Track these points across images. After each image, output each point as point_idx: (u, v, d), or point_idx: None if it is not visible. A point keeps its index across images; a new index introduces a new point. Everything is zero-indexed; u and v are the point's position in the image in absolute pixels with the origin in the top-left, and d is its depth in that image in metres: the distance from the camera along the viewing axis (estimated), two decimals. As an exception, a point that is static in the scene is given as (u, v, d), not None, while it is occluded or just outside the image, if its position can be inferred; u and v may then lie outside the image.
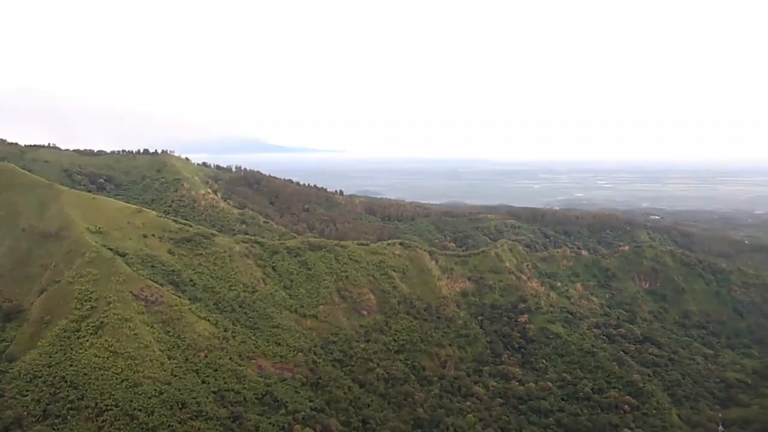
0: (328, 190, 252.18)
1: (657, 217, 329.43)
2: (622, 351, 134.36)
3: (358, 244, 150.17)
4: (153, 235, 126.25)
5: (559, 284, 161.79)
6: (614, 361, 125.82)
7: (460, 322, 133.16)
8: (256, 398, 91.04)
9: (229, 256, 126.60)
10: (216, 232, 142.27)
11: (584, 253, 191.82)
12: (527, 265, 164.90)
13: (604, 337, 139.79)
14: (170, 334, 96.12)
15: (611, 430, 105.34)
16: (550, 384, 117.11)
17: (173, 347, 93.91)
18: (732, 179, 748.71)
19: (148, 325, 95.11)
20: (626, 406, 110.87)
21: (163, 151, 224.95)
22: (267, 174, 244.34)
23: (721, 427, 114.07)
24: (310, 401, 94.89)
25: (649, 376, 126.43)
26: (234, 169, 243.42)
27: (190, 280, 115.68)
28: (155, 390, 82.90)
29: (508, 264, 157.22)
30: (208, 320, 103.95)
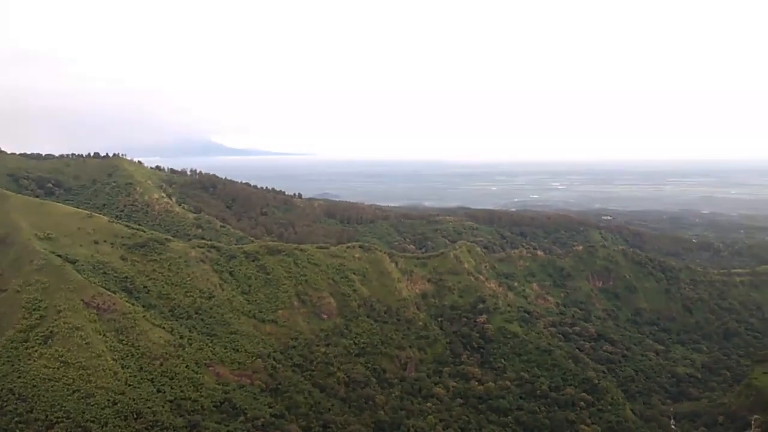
0: (286, 193, 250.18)
1: (609, 218, 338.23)
2: (578, 349, 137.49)
3: (317, 248, 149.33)
4: (105, 241, 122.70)
5: (516, 284, 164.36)
6: (570, 358, 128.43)
7: (420, 323, 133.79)
8: (214, 406, 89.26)
9: (185, 261, 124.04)
10: (170, 238, 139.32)
11: (540, 253, 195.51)
12: (485, 266, 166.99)
13: (560, 336, 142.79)
14: (124, 342, 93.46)
15: (568, 427, 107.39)
16: (508, 383, 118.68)
17: (127, 356, 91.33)
18: (679, 180, 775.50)
19: (100, 334, 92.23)
20: (582, 403, 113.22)
21: (114, 155, 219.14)
22: (223, 177, 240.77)
23: (672, 421, 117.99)
24: (270, 407, 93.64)
25: (603, 372, 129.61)
26: (189, 173, 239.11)
27: (144, 287, 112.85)
28: (108, 400, 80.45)
29: (466, 265, 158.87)
30: (163, 327, 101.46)
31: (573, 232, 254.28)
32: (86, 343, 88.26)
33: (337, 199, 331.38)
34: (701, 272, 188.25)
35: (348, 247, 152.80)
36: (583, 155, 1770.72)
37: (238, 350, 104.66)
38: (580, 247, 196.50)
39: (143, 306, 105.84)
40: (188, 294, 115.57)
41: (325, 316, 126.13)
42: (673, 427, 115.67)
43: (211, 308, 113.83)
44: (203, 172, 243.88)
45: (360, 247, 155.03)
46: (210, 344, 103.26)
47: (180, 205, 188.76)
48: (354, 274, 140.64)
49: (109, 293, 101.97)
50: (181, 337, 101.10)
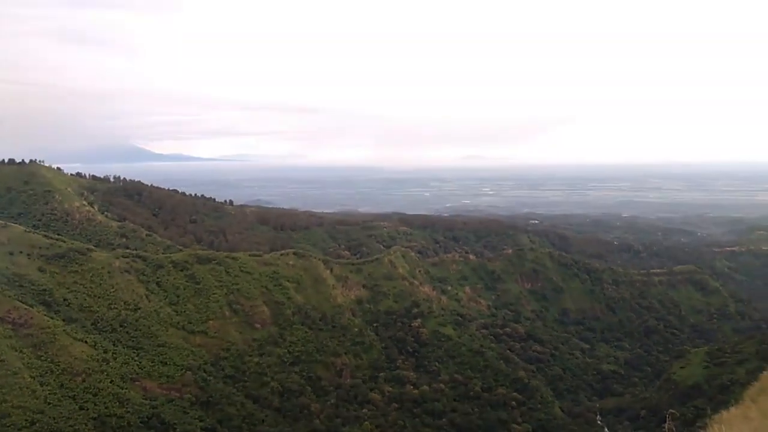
0: (217, 200, 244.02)
1: (536, 222, 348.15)
2: (509, 349, 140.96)
3: (249, 256, 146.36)
4: (21, 252, 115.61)
5: (449, 288, 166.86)
6: (501, 359, 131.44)
7: (356, 329, 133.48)
8: (140, 422, 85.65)
9: (108, 272, 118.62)
10: (93, 247, 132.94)
11: (472, 257, 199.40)
12: (419, 271, 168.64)
13: (492, 337, 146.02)
14: (42, 358, 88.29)
15: (500, 427, 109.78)
16: (442, 386, 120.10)
17: (46, 373, 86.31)
18: (601, 185, 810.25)
19: (16, 350, 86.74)
20: (513, 402, 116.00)
21: (31, 161, 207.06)
22: (149, 184, 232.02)
23: (598, 417, 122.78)
24: (201, 421, 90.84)
25: (533, 372, 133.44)
26: (112, 180, 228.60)
27: (64, 300, 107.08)
28: (26, 420, 75.67)
29: (401, 270, 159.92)
30: (86, 342, 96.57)
31: (503, 236, 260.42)
32: (1, 360, 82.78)
33: (271, 206, 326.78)
34: (623, 273, 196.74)
35: (282, 254, 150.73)
36: (509, 161, 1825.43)
37: (166, 363, 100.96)
38: (510, 251, 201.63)
39: (63, 320, 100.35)
40: (112, 306, 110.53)
41: (258, 326, 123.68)
42: (599, 422, 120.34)
43: (136, 320, 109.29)
44: (128, 178, 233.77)
45: (294, 254, 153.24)
46: (136, 358, 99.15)
47: (103, 213, 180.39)
48: (288, 281, 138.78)
49: (26, 307, 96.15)
50: (105, 352, 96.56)
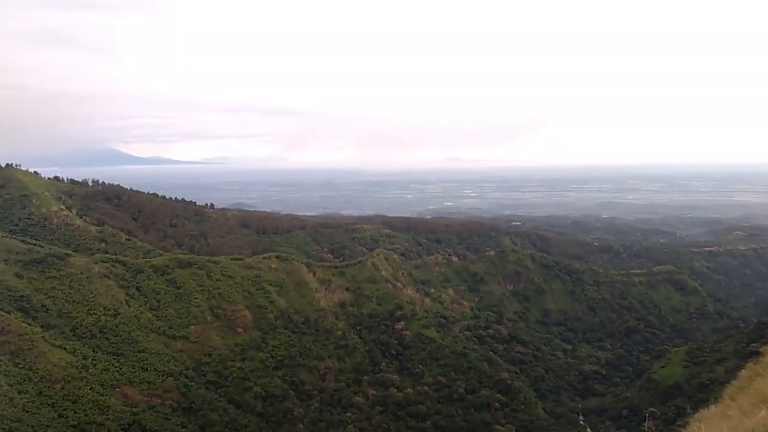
0: (197, 203, 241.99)
1: (518, 224, 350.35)
2: (492, 351, 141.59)
3: (231, 259, 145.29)
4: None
5: (432, 290, 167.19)
6: (485, 361, 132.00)
7: (339, 333, 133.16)
8: (121, 429, 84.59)
9: (87, 277, 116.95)
10: (71, 252, 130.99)
11: (454, 259, 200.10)
12: (403, 273, 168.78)
13: (475, 339, 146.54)
14: (20, 366, 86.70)
15: (484, 428, 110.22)
16: (426, 388, 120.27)
17: (24, 380, 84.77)
18: (581, 187, 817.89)
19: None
20: (497, 404, 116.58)
21: (7, 165, 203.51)
22: (128, 188, 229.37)
23: (581, 417, 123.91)
24: (183, 427, 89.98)
25: (516, 373, 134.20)
26: (90, 183, 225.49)
27: (43, 306, 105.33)
28: (4, 429, 74.13)
29: (384, 273, 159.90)
30: (65, 348, 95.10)
31: (485, 237, 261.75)
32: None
33: (252, 209, 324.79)
34: (603, 273, 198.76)
35: (264, 258, 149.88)
36: (490, 163, 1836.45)
37: (147, 369, 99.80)
38: (492, 253, 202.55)
39: (42, 326, 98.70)
40: (91, 312, 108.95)
41: (240, 330, 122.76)
42: (581, 422, 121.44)
43: (116, 326, 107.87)
44: (106, 182, 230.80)
45: (276, 257, 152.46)
46: (116, 364, 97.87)
47: (81, 217, 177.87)
48: (270, 285, 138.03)
49: (3, 313, 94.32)
50: (85, 358, 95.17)
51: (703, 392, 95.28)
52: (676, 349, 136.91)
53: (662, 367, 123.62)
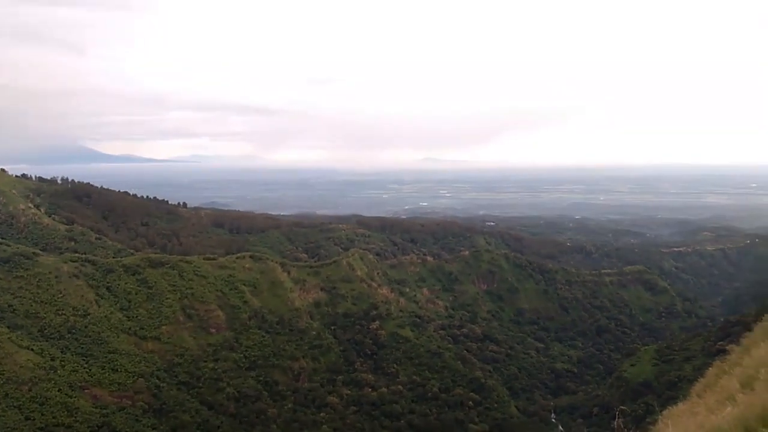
0: (170, 202, 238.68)
1: (492, 224, 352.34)
2: (466, 350, 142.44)
3: (204, 259, 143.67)
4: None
5: (407, 290, 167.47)
6: (459, 360, 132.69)
7: (314, 333, 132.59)
8: (90, 431, 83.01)
9: (56, 277, 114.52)
10: (39, 252, 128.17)
11: (429, 258, 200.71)
12: (378, 273, 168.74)
13: (449, 338, 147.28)
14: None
15: (458, 427, 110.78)
16: (401, 387, 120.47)
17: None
18: (554, 188, 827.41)
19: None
20: (470, 402, 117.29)
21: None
22: (99, 186, 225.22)
23: (553, 415, 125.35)
24: (154, 429, 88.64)
25: (489, 371, 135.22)
26: (59, 181, 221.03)
27: (9, 306, 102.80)
28: (-35, 434, 72.33)
29: (359, 272, 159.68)
30: (32, 349, 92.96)
31: (460, 237, 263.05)
32: (-63, 372, 78.93)
33: (226, 208, 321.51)
34: (575, 273, 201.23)
35: (237, 258, 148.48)
36: (466, 164, 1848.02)
37: (117, 370, 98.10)
38: (467, 252, 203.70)
39: (8, 327, 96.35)
40: (60, 312, 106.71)
41: (213, 330, 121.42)
42: (553, 420, 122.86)
43: (86, 327, 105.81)
44: (76, 180, 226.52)
45: (250, 257, 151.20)
46: (85, 365, 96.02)
47: (50, 216, 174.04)
48: (244, 285, 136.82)
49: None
50: (53, 359, 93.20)
51: (672, 390, 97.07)
52: (646, 347, 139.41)
53: (632, 365, 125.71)
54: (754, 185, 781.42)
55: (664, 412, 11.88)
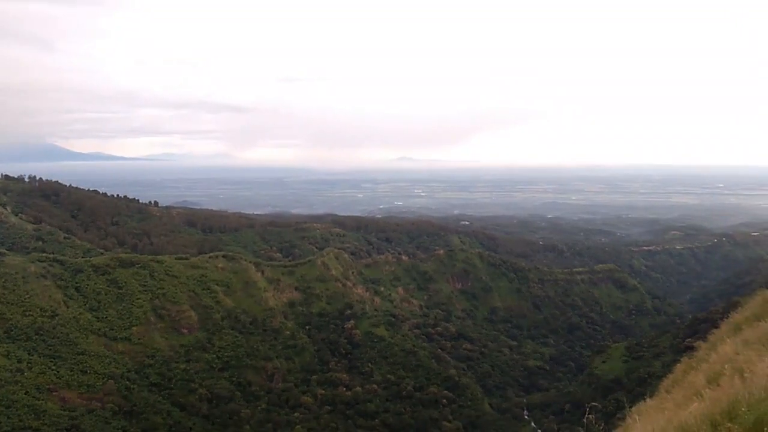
0: (141, 201, 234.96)
1: (466, 223, 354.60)
2: (440, 348, 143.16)
3: (176, 259, 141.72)
4: None
5: (382, 289, 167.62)
6: (433, 358, 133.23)
7: (288, 333, 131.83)
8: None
9: (23, 277, 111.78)
10: (6, 251, 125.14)
11: (404, 258, 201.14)
12: (353, 272, 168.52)
13: (424, 337, 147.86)
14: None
15: (432, 425, 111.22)
16: (375, 386, 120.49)
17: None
18: (527, 187, 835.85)
19: None
20: (444, 400, 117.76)
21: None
22: (68, 185, 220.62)
23: (525, 412, 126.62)
24: (124, 431, 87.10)
25: (463, 369, 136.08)
26: (27, 180, 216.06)
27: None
28: (-74, 440, 70.24)
29: (334, 272, 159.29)
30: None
31: (435, 236, 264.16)
32: None
33: (198, 207, 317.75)
34: (547, 272, 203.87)
35: (210, 257, 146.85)
36: (440, 163, 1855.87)
37: (86, 372, 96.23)
38: (441, 251, 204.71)
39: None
40: (27, 313, 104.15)
41: (185, 331, 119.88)
42: (526, 417, 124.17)
43: (54, 328, 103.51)
44: (44, 178, 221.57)
45: (223, 256, 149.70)
46: (54, 367, 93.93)
47: (17, 215, 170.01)
48: (217, 285, 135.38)
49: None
50: (20, 361, 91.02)
51: (642, 386, 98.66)
52: (616, 344, 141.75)
53: (603, 362, 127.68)
54: (720, 185, 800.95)
55: (634, 408, 12.07)
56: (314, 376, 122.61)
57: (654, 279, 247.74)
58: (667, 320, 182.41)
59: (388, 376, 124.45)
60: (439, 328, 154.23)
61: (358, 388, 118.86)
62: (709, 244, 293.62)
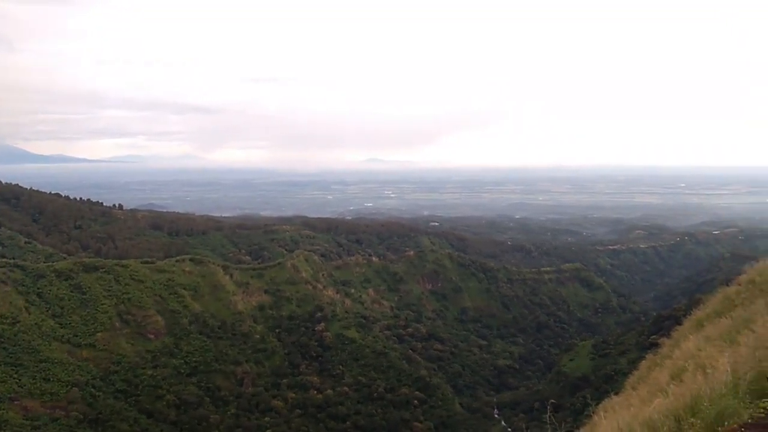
0: (104, 204, 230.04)
1: (436, 224, 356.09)
2: (411, 349, 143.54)
3: (141, 263, 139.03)
4: None
5: (353, 291, 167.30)
6: (404, 359, 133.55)
7: (257, 336, 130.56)
8: (20, 446, 78.95)
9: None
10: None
11: (375, 259, 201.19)
12: (323, 274, 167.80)
13: (395, 338, 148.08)
14: None
15: (403, 426, 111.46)
16: (346, 389, 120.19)
17: None
18: (495, 188, 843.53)
19: None
20: (416, 401, 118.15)
21: None
22: (28, 187, 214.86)
23: (496, 410, 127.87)
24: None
25: (434, 370, 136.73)
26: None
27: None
28: None
29: (304, 274, 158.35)
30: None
31: (405, 238, 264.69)
32: None
33: (164, 210, 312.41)
34: (516, 271, 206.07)
35: (177, 261, 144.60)
36: (409, 164, 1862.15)
37: (49, 380, 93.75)
38: (412, 253, 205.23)
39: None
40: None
41: (151, 336, 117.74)
42: (496, 416, 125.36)
43: (15, 335, 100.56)
44: (3, 181, 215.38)
45: (190, 260, 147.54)
46: (15, 375, 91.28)
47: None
48: (184, 289, 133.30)
49: None
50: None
51: (608, 383, 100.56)
52: (583, 342, 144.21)
53: (571, 360, 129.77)
54: (682, 185, 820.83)
55: (600, 405, 12.29)
56: (285, 380, 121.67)
57: (619, 277, 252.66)
58: (632, 318, 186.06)
59: (360, 378, 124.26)
60: (410, 329, 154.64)
61: (330, 391, 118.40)
62: (672, 242, 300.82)
